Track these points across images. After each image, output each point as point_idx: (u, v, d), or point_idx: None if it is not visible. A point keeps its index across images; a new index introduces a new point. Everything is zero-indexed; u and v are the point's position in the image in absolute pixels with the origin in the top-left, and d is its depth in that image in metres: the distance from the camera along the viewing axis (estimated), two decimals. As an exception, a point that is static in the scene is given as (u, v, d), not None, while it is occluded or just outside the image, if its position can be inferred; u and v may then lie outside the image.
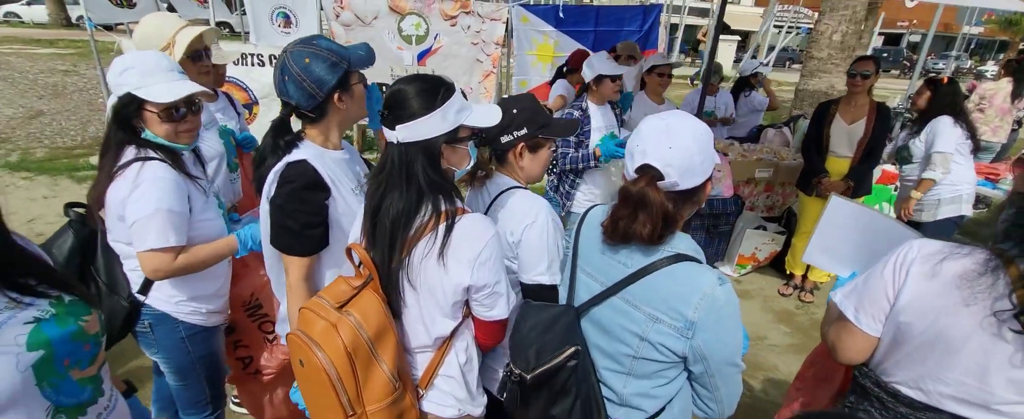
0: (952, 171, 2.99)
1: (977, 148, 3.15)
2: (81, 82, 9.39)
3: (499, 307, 1.19)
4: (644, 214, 1.01)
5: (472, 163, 1.23)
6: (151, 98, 1.40)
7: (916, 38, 31.55)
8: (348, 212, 1.40)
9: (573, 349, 1.10)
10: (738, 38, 18.94)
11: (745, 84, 4.72)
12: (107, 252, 1.52)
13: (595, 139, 2.73)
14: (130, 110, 1.44)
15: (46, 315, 0.82)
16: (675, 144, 1.00)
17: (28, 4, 19.99)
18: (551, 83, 4.32)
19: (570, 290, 1.19)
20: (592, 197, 2.89)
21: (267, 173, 1.37)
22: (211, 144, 1.96)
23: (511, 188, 1.40)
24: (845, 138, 3.26)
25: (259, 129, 2.41)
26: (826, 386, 1.40)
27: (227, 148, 2.09)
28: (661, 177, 1.00)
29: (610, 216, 1.08)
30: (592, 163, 2.68)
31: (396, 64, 4.97)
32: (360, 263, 1.20)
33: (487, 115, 1.20)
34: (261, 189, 1.41)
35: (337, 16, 4.80)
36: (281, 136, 1.38)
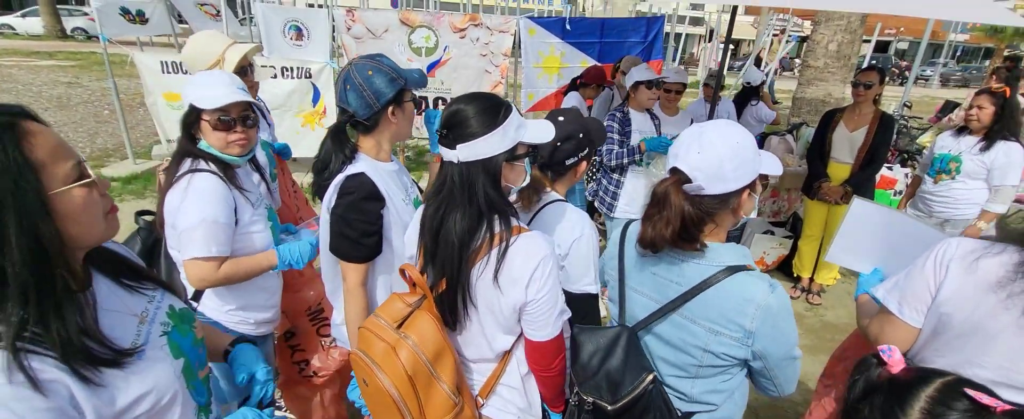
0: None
1: None
2: (85, 94, 9.41)
3: (549, 328, 1.17)
4: (667, 213, 1.07)
5: (528, 180, 1.24)
6: (201, 104, 1.50)
7: (904, 45, 32.15)
8: (399, 221, 1.48)
9: (652, 375, 1.14)
10: (731, 47, 19.20)
11: (752, 94, 4.84)
12: (168, 260, 1.59)
13: (635, 141, 2.97)
14: (190, 120, 1.53)
15: (169, 327, 0.90)
16: (705, 150, 1.05)
17: (22, 16, 19.99)
18: (564, 94, 4.44)
19: (621, 309, 1.22)
20: (633, 201, 3.01)
21: (328, 180, 1.45)
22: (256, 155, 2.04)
23: (554, 201, 1.47)
24: (846, 145, 3.39)
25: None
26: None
27: (269, 158, 2.17)
28: (687, 180, 1.06)
29: (643, 216, 1.13)
30: (636, 157, 2.86)
31: (406, 75, 5.06)
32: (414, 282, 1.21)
33: (541, 131, 1.23)
34: (319, 194, 1.50)
35: (348, 29, 4.90)
36: (339, 141, 1.46)
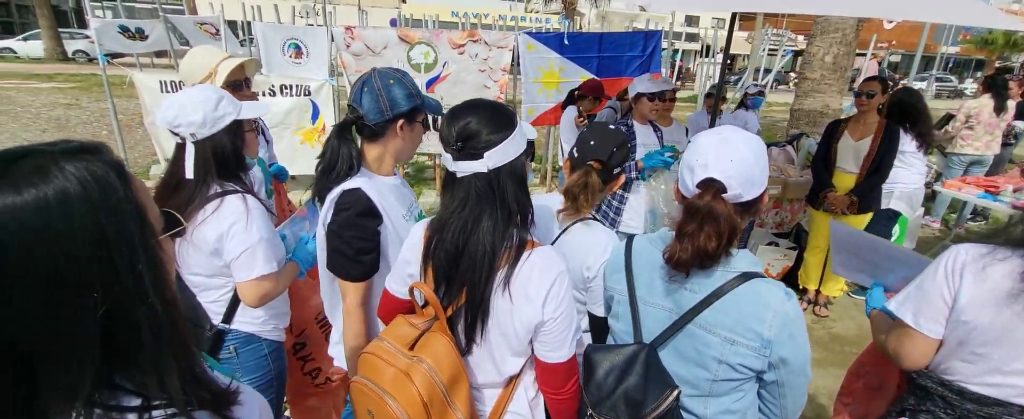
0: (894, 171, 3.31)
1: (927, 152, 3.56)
2: (84, 115, 9.43)
3: (565, 349, 1.12)
4: (710, 227, 1.01)
5: (533, 177, 1.23)
6: (247, 116, 1.53)
7: (896, 58, 32.51)
8: (397, 239, 1.42)
9: (677, 391, 1.08)
10: (727, 61, 19.42)
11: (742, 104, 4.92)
12: (182, 287, 1.54)
13: (640, 154, 2.96)
14: (237, 136, 1.53)
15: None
16: (735, 156, 1.02)
17: (24, 40, 20.14)
18: (562, 108, 4.44)
19: (635, 325, 1.17)
20: (637, 215, 2.99)
21: (333, 184, 1.40)
22: (253, 171, 2.01)
23: (582, 219, 1.44)
24: (851, 154, 3.36)
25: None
26: (879, 394, 1.43)
27: (265, 175, 2.14)
28: (725, 189, 1.03)
29: (676, 233, 1.07)
30: (633, 174, 2.82)
31: (405, 92, 5.07)
32: (425, 303, 1.14)
33: (527, 127, 1.21)
34: (320, 198, 1.45)
35: (347, 46, 4.92)
36: (343, 139, 1.42)
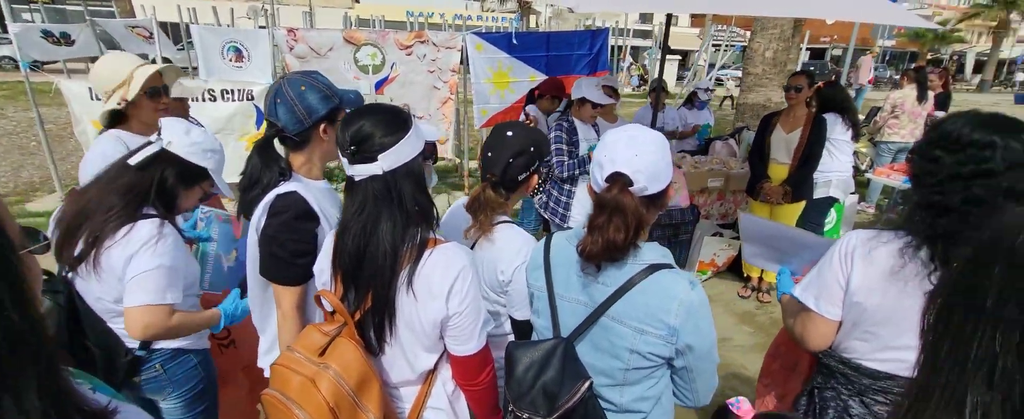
0: (829, 160, 3.54)
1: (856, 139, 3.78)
2: (9, 125, 8.83)
3: (473, 341, 1.15)
4: (618, 219, 1.06)
5: (434, 181, 1.25)
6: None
7: (838, 52, 34.20)
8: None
9: (588, 382, 1.12)
10: (679, 57, 19.96)
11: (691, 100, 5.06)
12: (90, 313, 1.47)
13: (584, 149, 3.00)
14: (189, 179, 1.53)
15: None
16: (640, 152, 1.07)
17: (-57, 45, 18.73)
18: (524, 106, 4.46)
19: (554, 320, 1.20)
20: (584, 209, 3.04)
21: (258, 197, 1.38)
22: None
23: (502, 222, 1.46)
24: (783, 146, 3.52)
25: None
26: (794, 375, 1.51)
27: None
28: (631, 183, 1.07)
29: (587, 226, 1.12)
30: (586, 167, 2.88)
31: (354, 94, 4.99)
32: (333, 310, 1.16)
33: (428, 129, 1.26)
34: (246, 213, 1.43)
35: (291, 49, 4.80)
36: (267, 156, 1.41)
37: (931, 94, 5.37)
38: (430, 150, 1.26)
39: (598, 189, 1.12)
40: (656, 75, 3.87)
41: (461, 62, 5.20)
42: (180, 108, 2.20)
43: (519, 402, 1.15)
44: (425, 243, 1.11)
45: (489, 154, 1.44)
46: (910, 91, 5.29)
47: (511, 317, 1.46)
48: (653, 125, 3.48)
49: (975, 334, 0.43)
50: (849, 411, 1.26)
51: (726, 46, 12.95)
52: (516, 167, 1.41)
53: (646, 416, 1.17)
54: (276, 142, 1.47)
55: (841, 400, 1.27)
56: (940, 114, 5.81)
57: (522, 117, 4.03)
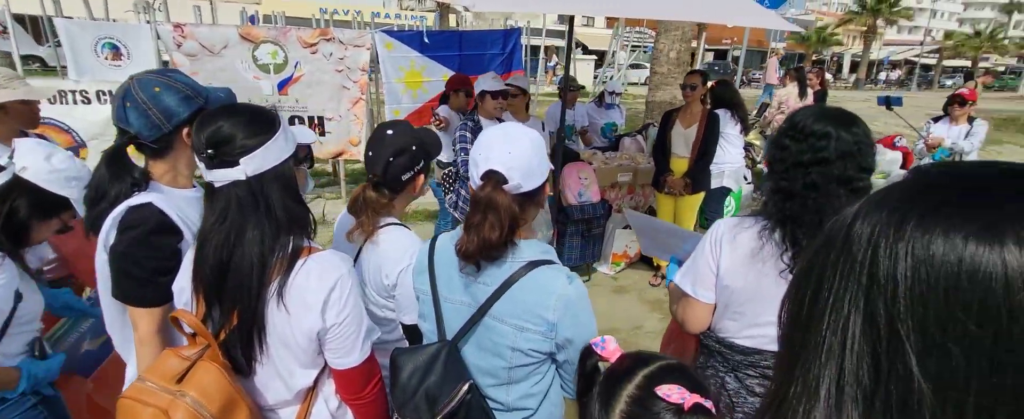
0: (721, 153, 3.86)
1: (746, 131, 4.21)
2: None
3: (356, 353, 1.10)
4: (493, 217, 1.05)
5: (310, 186, 1.20)
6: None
7: (739, 53, 37.10)
8: None
9: (468, 384, 1.10)
10: (594, 57, 20.67)
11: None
12: None
13: None
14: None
15: None
16: (515, 150, 1.07)
17: None
18: (436, 107, 4.39)
19: (439, 323, 1.18)
20: None
21: (104, 213, 1.23)
22: None
23: (388, 225, 1.41)
24: (682, 140, 3.74)
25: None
26: (684, 357, 1.59)
27: None
28: (505, 180, 1.06)
29: (464, 226, 1.10)
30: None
31: (254, 95, 4.68)
32: (194, 333, 1.07)
33: (302, 132, 1.20)
34: (94, 229, 1.27)
35: (178, 46, 4.41)
36: (118, 166, 1.26)
37: (810, 91, 5.95)
38: (305, 153, 1.18)
39: (475, 187, 1.11)
40: (568, 74, 3.97)
41: (372, 61, 5.04)
42: (27, 113, 1.92)
43: (403, 409, 1.12)
44: (298, 252, 1.05)
45: (370, 153, 1.39)
46: (792, 89, 5.83)
47: (401, 322, 1.42)
48: (562, 122, 3.56)
49: (822, 319, 0.44)
50: (725, 386, 1.34)
51: (632, 47, 13.61)
52: (398, 166, 1.37)
53: (534, 412, 1.17)
54: (132, 150, 1.33)
55: (719, 377, 1.36)
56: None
57: (433, 119, 3.96)
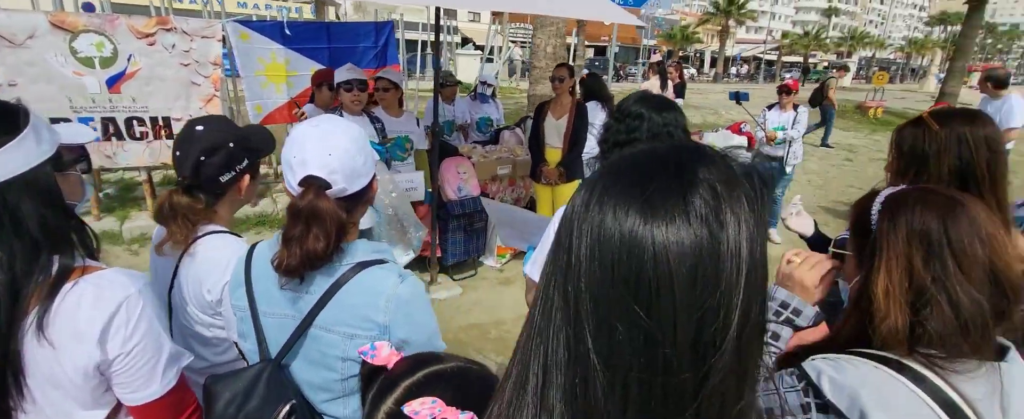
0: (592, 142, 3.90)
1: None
2: None
3: (155, 384, 0.95)
4: (317, 228, 0.95)
5: (89, 195, 1.02)
6: None
7: (617, 49, 39.70)
8: None
9: (289, 405, 1.00)
10: (480, 52, 20.83)
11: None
12: None
13: None
14: None
15: None
16: (335, 149, 0.98)
17: None
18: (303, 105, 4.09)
19: (260, 341, 1.06)
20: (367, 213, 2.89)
21: None
22: None
23: (209, 233, 1.24)
24: (555, 131, 3.86)
25: None
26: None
27: None
28: (328, 185, 0.98)
29: (282, 238, 0.99)
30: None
31: (76, 93, 4.01)
32: None
33: (76, 130, 1.02)
34: None
35: (-35, 35, 3.64)
36: None
37: (670, 83, 6.49)
38: (79, 155, 0.99)
39: (293, 193, 1.00)
40: (447, 70, 3.92)
41: (224, 55, 4.57)
42: None
43: None
44: (67, 274, 0.88)
45: (177, 153, 1.21)
46: (655, 81, 6.32)
47: (236, 342, 1.27)
48: (435, 116, 3.49)
49: (536, 305, 0.43)
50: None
51: (522, 44, 13.94)
52: (211, 166, 1.21)
53: None
54: None
55: None
56: (681, 101, 7.06)
57: (297, 116, 3.70)
